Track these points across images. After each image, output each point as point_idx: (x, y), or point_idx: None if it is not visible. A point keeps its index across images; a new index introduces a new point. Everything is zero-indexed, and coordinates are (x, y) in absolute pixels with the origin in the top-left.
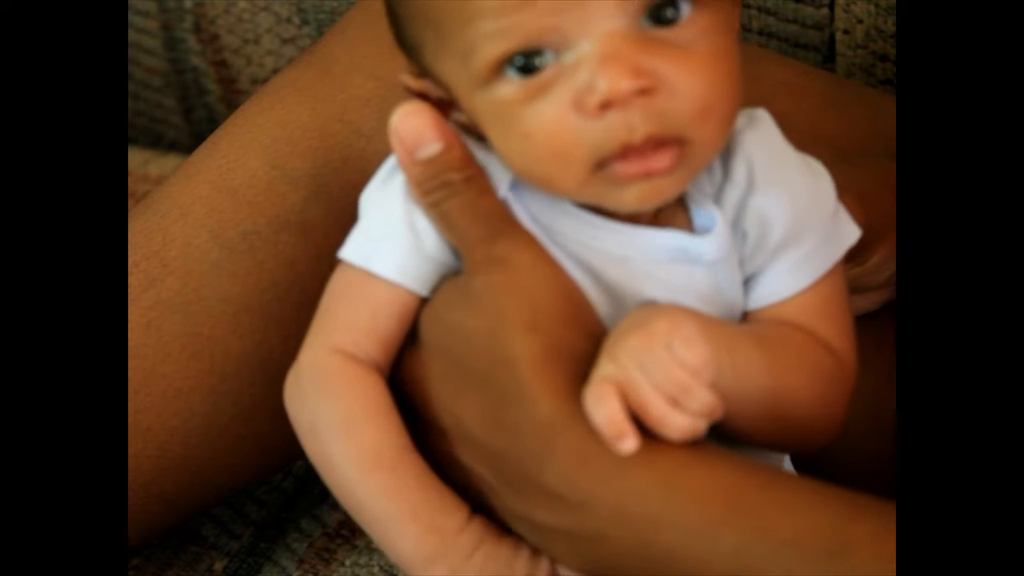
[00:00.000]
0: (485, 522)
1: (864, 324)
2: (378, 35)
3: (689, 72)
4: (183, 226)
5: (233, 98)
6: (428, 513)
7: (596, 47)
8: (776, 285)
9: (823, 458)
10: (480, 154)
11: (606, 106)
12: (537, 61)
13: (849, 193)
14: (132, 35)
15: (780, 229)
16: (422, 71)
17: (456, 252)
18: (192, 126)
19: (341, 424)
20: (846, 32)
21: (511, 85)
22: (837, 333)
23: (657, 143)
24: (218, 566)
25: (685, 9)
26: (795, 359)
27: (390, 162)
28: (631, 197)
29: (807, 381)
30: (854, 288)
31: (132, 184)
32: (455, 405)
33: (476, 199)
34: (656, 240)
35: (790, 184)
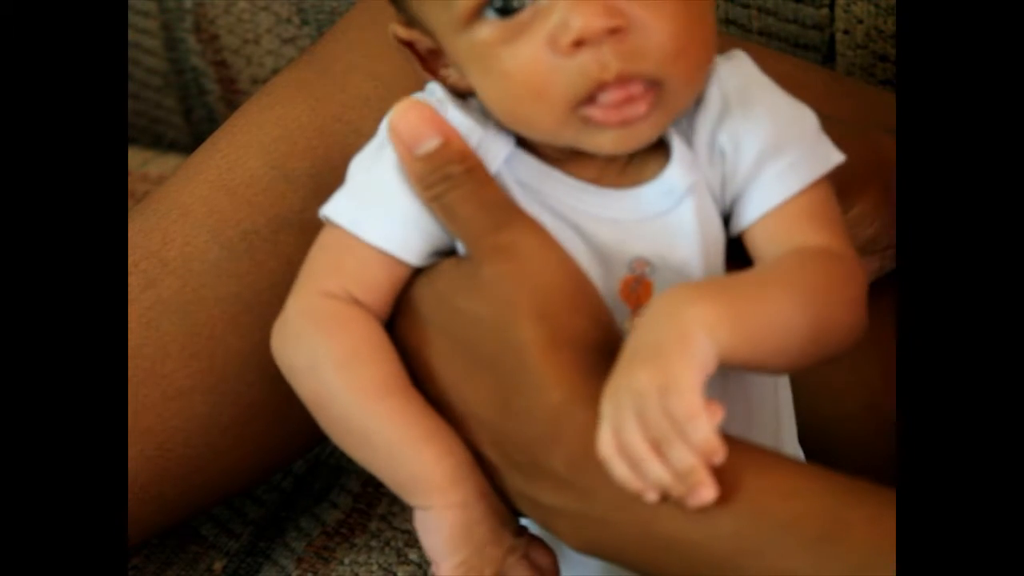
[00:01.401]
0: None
1: None
2: (378, 35)
3: (661, 13)
4: (183, 226)
5: (233, 98)
6: (443, 438)
7: None
8: (765, 194)
9: (823, 449)
10: (478, 129)
11: (579, 44)
12: (515, 2)
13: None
14: (132, 35)
15: (759, 143)
16: (409, 20)
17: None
18: (192, 126)
19: (345, 359)
20: (846, 32)
21: (490, 26)
22: (834, 234)
23: (630, 83)
24: (217, 565)
25: None
26: (818, 282)
27: (382, 132)
28: (607, 140)
29: (833, 297)
30: None
31: (132, 184)
32: (461, 385)
33: (479, 189)
34: (642, 198)
35: (766, 101)
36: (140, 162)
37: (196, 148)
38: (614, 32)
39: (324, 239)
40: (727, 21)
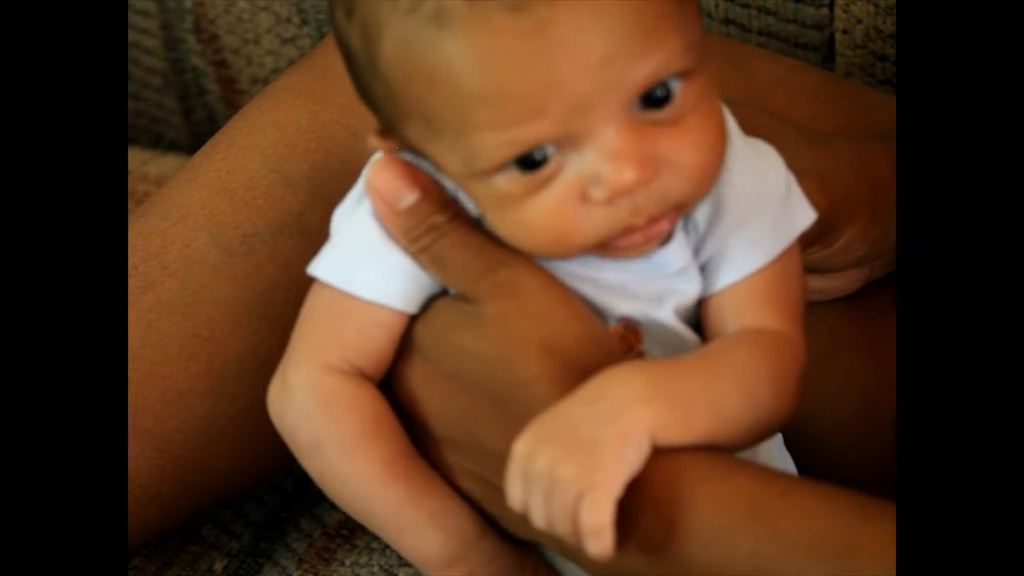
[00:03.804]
0: (499, 536)
1: (854, 316)
2: None
3: (687, 148)
4: (182, 228)
5: (233, 98)
6: (447, 519)
7: (601, 145)
8: (727, 270)
9: (816, 454)
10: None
11: (613, 199)
12: (537, 155)
13: (812, 177)
14: (132, 35)
15: (726, 218)
16: (389, 129)
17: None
18: (192, 126)
19: (350, 443)
20: (846, 32)
21: (512, 179)
22: (786, 314)
23: (658, 220)
24: (218, 566)
25: (675, 86)
26: (762, 375)
27: (361, 184)
28: (623, 254)
29: (775, 389)
30: (824, 269)
31: (132, 184)
32: (467, 421)
33: (467, 235)
34: (628, 270)
35: (737, 173)
36: (140, 162)
37: (196, 148)
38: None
39: (319, 301)
40: (727, 21)
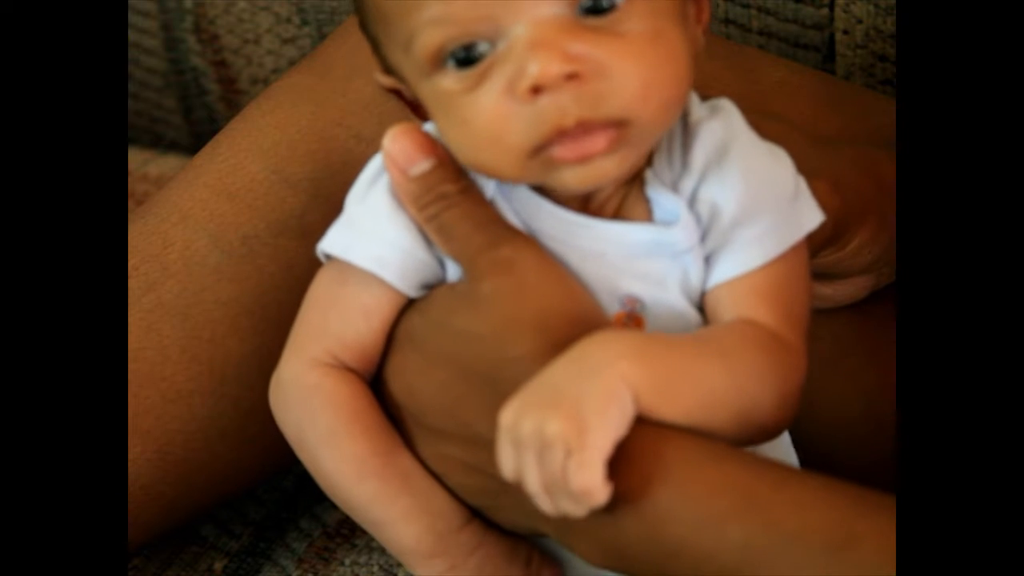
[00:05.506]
0: (484, 525)
1: (858, 322)
2: None
3: (624, 55)
4: (183, 230)
5: (233, 98)
6: (421, 515)
7: (527, 33)
8: (728, 264)
9: (820, 454)
10: None
11: (537, 90)
12: (475, 53)
13: (823, 179)
14: (132, 35)
15: (731, 210)
16: (387, 68)
17: (442, 261)
18: (192, 126)
19: (324, 437)
20: (846, 32)
21: (451, 77)
22: (785, 317)
23: (590, 127)
24: (218, 566)
25: None
26: (754, 367)
27: (374, 164)
28: (571, 178)
29: (767, 385)
30: (836, 274)
31: (132, 184)
32: (461, 409)
33: (474, 208)
34: (630, 235)
35: (744, 166)
36: (140, 162)
37: (196, 148)
38: (573, 78)
39: (316, 288)
40: (727, 21)
